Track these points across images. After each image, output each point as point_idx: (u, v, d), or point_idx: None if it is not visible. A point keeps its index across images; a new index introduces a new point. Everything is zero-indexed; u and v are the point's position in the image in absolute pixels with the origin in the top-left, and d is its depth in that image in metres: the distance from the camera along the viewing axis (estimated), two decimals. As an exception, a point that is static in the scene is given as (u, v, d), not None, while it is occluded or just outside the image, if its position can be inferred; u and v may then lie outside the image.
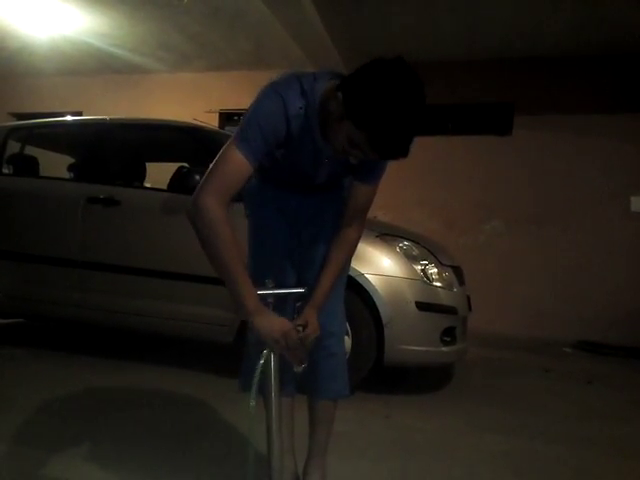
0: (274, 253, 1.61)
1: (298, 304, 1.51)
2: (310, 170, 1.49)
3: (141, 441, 2.18)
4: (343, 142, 1.25)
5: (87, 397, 2.76)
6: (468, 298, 3.38)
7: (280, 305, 1.43)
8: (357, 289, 2.86)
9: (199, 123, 3.65)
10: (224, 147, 1.32)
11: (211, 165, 1.31)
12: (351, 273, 2.76)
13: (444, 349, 3.00)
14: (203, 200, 1.26)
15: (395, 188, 5.05)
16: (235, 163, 1.29)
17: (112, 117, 3.74)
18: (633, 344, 5.12)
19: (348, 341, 2.86)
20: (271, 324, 1.33)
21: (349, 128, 1.20)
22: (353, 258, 1.63)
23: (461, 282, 3.29)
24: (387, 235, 3.06)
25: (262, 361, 1.36)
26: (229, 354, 2.85)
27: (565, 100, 5.69)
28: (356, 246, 1.57)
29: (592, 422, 2.87)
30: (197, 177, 3.08)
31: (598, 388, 3.71)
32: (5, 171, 3.74)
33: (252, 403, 1.35)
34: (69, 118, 4.31)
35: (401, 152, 1.19)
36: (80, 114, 6.41)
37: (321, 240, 1.58)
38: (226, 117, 6.62)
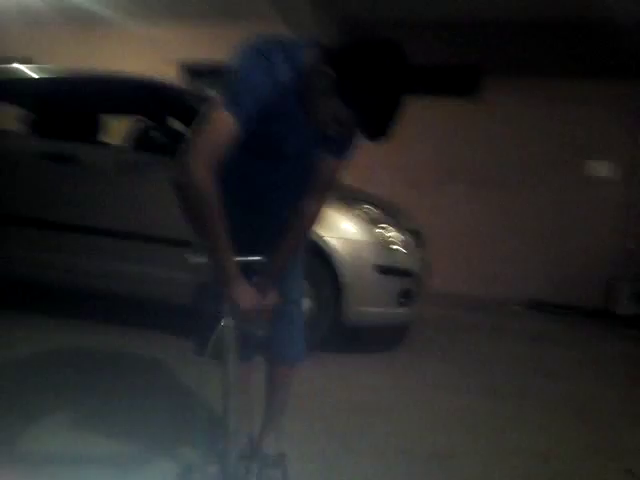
0: (235, 220, 1.59)
1: (256, 273, 1.50)
2: (283, 139, 1.46)
3: (105, 403, 2.21)
4: (327, 117, 1.24)
5: (51, 358, 2.72)
6: (427, 263, 3.45)
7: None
8: (317, 251, 2.88)
9: (157, 77, 3.49)
10: (209, 108, 1.28)
11: (196, 126, 1.27)
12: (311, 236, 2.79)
13: (400, 310, 3.08)
14: (191, 165, 1.22)
15: (359, 148, 5.02)
16: (223, 126, 1.24)
17: (65, 67, 3.56)
18: (580, 303, 5.40)
19: (308, 302, 2.90)
20: (246, 293, 1.37)
21: (337, 105, 1.19)
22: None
23: (420, 245, 3.35)
24: (347, 198, 3.07)
25: (221, 325, 1.38)
26: (188, 316, 2.85)
27: (531, 65, 5.71)
28: (316, 218, 1.56)
29: (539, 379, 3.03)
30: (156, 134, 2.98)
31: (545, 346, 3.90)
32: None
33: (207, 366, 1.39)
34: (17, 66, 4.01)
35: (384, 134, 1.22)
36: (29, 61, 6.07)
37: (282, 210, 1.56)
38: (191, 72, 6.38)
